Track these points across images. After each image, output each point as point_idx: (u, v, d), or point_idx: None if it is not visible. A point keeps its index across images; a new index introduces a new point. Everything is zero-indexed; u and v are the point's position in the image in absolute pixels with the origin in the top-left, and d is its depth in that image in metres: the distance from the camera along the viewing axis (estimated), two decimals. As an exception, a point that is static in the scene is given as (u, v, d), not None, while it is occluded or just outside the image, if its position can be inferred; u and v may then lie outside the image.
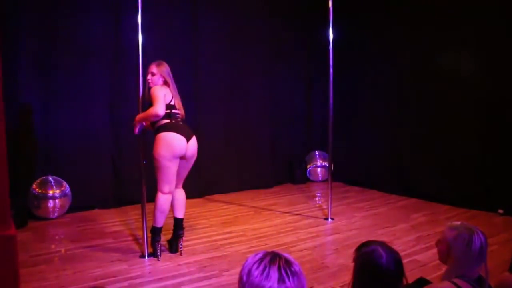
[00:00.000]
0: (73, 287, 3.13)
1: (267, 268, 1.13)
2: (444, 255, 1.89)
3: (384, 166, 6.14)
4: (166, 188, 3.61)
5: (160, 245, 3.71)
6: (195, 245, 4.02)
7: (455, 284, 1.75)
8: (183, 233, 3.82)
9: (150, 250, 3.71)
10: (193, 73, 5.69)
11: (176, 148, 3.52)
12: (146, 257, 3.67)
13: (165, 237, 3.86)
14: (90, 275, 3.32)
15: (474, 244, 1.78)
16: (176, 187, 3.75)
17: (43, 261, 3.60)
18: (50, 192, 4.70)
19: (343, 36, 5.66)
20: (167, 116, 3.56)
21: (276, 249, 1.23)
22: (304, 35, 6.69)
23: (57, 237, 4.30)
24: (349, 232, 4.40)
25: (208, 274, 3.38)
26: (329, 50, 4.75)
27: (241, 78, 6.09)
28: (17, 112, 4.69)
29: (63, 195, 4.78)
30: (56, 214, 4.77)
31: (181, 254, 3.75)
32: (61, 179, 4.83)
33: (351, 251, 1.79)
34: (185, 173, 3.79)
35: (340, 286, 3.14)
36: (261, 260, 1.16)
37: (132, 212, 4.95)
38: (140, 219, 3.80)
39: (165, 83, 3.66)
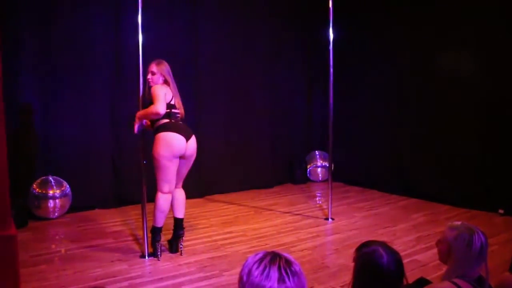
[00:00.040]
0: (74, 287, 3.13)
1: (267, 268, 1.13)
2: (445, 255, 1.89)
3: (384, 166, 6.14)
4: (166, 187, 3.61)
5: (161, 245, 3.71)
6: (196, 245, 4.02)
7: (455, 284, 1.75)
8: (183, 233, 3.82)
9: (151, 250, 3.71)
10: (193, 73, 5.68)
11: (175, 147, 3.52)
12: (147, 257, 3.67)
13: (165, 237, 3.86)
14: (90, 275, 3.32)
15: (475, 244, 1.78)
16: (176, 187, 3.75)
17: (44, 261, 3.60)
18: (51, 192, 4.70)
19: (343, 36, 5.66)
20: (166, 115, 3.56)
21: (276, 249, 1.23)
22: (304, 35, 6.69)
23: (57, 237, 4.30)
24: (349, 232, 4.40)
25: (208, 274, 3.38)
26: (329, 50, 4.75)
27: (241, 78, 6.09)
28: (17, 112, 4.69)
29: (63, 195, 4.78)
30: (56, 214, 4.77)
31: (181, 254, 3.75)
32: (61, 179, 4.83)
33: (351, 251, 1.79)
34: (184, 172, 3.79)
35: (340, 286, 3.14)
36: (261, 260, 1.16)
37: (132, 212, 4.95)
38: (140, 219, 3.80)
39: (165, 82, 3.66)
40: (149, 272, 3.41)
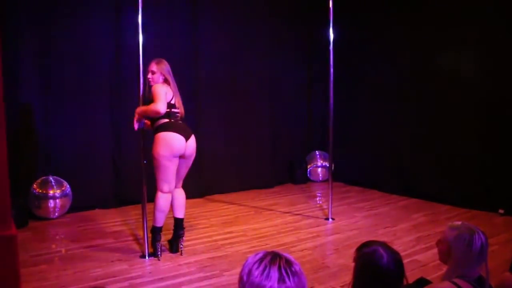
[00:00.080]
0: (74, 287, 3.13)
1: (267, 268, 1.13)
2: (445, 255, 1.89)
3: (384, 166, 6.14)
4: (165, 187, 3.61)
5: (161, 245, 3.71)
6: (196, 245, 4.02)
7: (455, 284, 1.75)
8: (183, 233, 3.82)
9: (151, 250, 3.71)
10: (193, 73, 5.68)
11: (175, 147, 3.52)
12: (147, 257, 3.67)
13: (165, 237, 3.86)
14: (90, 275, 3.32)
15: (475, 244, 1.78)
16: (176, 186, 3.76)
17: (44, 261, 3.60)
18: (51, 192, 4.70)
19: (343, 36, 5.66)
20: (166, 115, 3.56)
21: (276, 249, 1.23)
22: (304, 35, 6.69)
23: (57, 237, 4.30)
24: (349, 232, 4.39)
25: (208, 274, 3.38)
26: (329, 50, 4.75)
27: (241, 78, 6.09)
28: (17, 112, 4.69)
29: (63, 195, 4.78)
30: (56, 214, 4.77)
31: (181, 254, 3.75)
32: (61, 179, 4.83)
33: (351, 251, 1.79)
34: (184, 172, 3.80)
35: (341, 286, 3.14)
36: (261, 260, 1.16)
37: (133, 212, 4.95)
38: (141, 219, 3.80)
39: (165, 81, 3.66)
40: (149, 272, 3.41)
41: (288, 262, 1.15)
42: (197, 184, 5.62)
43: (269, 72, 6.35)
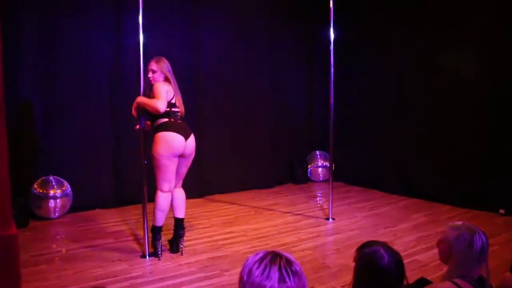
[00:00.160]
0: (74, 287, 3.13)
1: (267, 268, 1.13)
2: (445, 255, 1.89)
3: (384, 166, 6.14)
4: (165, 186, 3.62)
5: (161, 245, 3.71)
6: (196, 245, 4.02)
7: (456, 284, 1.75)
8: (184, 233, 3.82)
9: (151, 250, 3.71)
10: (193, 73, 5.68)
11: (175, 147, 3.53)
12: (147, 257, 3.67)
13: (166, 237, 3.86)
14: (91, 275, 3.32)
15: (475, 244, 1.78)
16: (176, 186, 3.76)
17: (44, 261, 3.60)
18: (51, 192, 4.70)
19: (343, 36, 5.66)
20: (166, 114, 3.56)
21: (277, 249, 1.23)
22: (304, 35, 6.69)
23: (58, 237, 4.30)
24: (350, 232, 4.39)
25: (209, 274, 3.38)
26: (329, 50, 4.75)
27: (242, 78, 6.09)
28: (17, 112, 4.69)
29: (64, 195, 4.78)
30: (57, 214, 4.77)
31: (182, 254, 3.75)
32: (62, 179, 4.83)
33: (352, 251, 1.79)
34: (184, 171, 3.79)
35: (341, 286, 3.14)
36: (261, 259, 1.16)
37: (133, 212, 4.95)
38: (141, 219, 3.80)
39: (166, 79, 3.65)
40: (150, 272, 3.41)
41: (289, 262, 1.15)
42: (197, 184, 5.62)
43: (270, 72, 6.35)
